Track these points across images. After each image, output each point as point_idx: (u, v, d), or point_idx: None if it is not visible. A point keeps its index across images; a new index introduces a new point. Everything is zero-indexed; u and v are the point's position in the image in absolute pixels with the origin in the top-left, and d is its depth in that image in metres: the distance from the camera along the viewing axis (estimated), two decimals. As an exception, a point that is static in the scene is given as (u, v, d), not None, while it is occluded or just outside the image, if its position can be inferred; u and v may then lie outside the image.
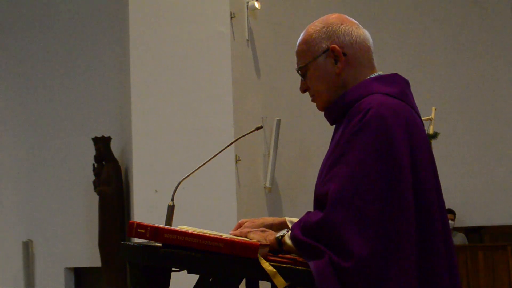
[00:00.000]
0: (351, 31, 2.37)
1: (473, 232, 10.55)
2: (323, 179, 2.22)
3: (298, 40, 2.43)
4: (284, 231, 2.28)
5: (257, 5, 8.57)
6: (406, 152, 2.17)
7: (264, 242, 2.27)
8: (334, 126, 2.48)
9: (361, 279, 2.05)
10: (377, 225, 2.08)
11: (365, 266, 2.05)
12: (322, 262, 2.10)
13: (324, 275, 2.08)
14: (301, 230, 2.18)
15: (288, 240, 2.25)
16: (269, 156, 8.66)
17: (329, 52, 2.36)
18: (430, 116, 7.85)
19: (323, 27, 2.39)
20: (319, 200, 2.20)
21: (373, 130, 2.16)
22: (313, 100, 2.46)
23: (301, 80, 2.45)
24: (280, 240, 2.27)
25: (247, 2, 8.59)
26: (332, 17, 2.41)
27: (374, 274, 2.05)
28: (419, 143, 2.23)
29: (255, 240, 2.25)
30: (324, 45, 2.37)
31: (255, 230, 2.35)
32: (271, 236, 2.31)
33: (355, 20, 2.46)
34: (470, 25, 10.77)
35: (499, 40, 10.78)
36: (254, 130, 2.88)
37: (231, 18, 8.40)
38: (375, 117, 2.17)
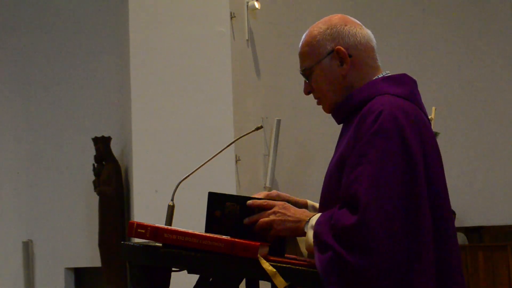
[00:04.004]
0: (356, 32, 2.37)
1: (473, 232, 10.55)
2: (346, 181, 2.19)
3: (301, 42, 2.42)
4: (312, 222, 2.25)
5: (257, 5, 8.58)
6: (420, 153, 2.18)
7: (281, 227, 2.27)
8: (336, 125, 2.48)
9: (385, 283, 2.06)
10: (403, 226, 2.09)
11: (391, 269, 2.06)
12: (330, 259, 2.10)
13: (330, 272, 2.09)
14: (331, 231, 2.14)
15: (310, 237, 2.22)
16: (269, 156, 8.67)
17: (334, 53, 2.34)
18: (430, 116, 7.84)
19: (327, 28, 2.37)
20: (346, 200, 2.17)
21: (390, 131, 2.16)
22: (318, 103, 2.45)
23: (305, 82, 2.44)
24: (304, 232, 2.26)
25: (247, 2, 8.59)
26: (335, 18, 2.40)
27: (399, 275, 2.07)
28: (429, 144, 2.24)
29: (273, 217, 2.27)
30: (329, 47, 2.35)
31: (278, 211, 2.31)
32: (290, 222, 2.29)
33: (356, 19, 2.46)
34: (471, 25, 10.77)
35: (499, 40, 10.78)
36: (254, 130, 2.89)
37: (231, 18, 8.40)
38: (389, 118, 2.17)
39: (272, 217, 2.29)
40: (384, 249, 2.06)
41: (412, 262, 2.08)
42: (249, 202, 2.33)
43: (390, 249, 2.06)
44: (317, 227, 2.20)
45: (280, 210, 2.30)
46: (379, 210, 2.08)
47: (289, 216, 2.29)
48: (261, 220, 2.29)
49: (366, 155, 2.16)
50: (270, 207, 2.31)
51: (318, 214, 2.26)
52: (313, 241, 2.18)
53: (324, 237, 2.14)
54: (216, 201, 2.35)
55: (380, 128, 2.16)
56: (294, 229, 2.28)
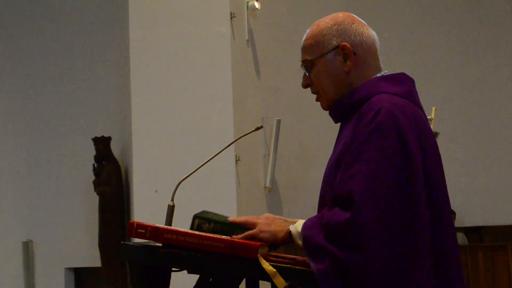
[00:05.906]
0: (362, 32, 2.36)
1: (473, 232, 10.55)
2: (341, 178, 2.18)
3: (306, 35, 2.40)
4: (298, 228, 2.23)
5: (257, 5, 8.58)
6: (418, 152, 2.17)
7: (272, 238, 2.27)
8: (336, 125, 2.47)
9: (379, 280, 2.05)
10: (398, 225, 2.09)
11: (384, 266, 2.06)
12: (327, 265, 2.09)
13: (330, 278, 2.08)
14: (323, 232, 2.12)
15: (298, 240, 2.21)
16: (269, 156, 8.67)
17: (339, 49, 2.33)
18: (430, 116, 7.85)
19: (334, 24, 2.36)
20: (339, 199, 2.16)
21: (388, 129, 2.15)
22: (317, 99, 2.44)
23: (304, 74, 2.42)
24: (291, 235, 2.25)
25: (247, 2, 8.59)
26: (343, 16, 2.40)
27: (392, 274, 2.06)
28: (428, 144, 2.23)
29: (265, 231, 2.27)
30: (334, 42, 2.34)
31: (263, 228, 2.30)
32: (280, 233, 2.27)
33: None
34: (470, 25, 10.77)
35: (499, 40, 10.78)
36: (254, 130, 2.88)
37: (231, 18, 8.40)
38: (387, 117, 2.17)
39: (259, 221, 2.30)
40: (378, 247, 2.05)
41: (409, 260, 2.07)
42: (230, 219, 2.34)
43: (384, 246, 2.05)
44: (306, 232, 2.17)
45: (267, 220, 2.31)
46: (374, 208, 2.07)
47: (277, 222, 2.30)
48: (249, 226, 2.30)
49: (363, 153, 2.15)
50: (254, 223, 2.31)
51: (302, 220, 2.24)
52: (305, 249, 2.16)
53: (316, 240, 2.12)
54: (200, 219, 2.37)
55: (377, 126, 2.16)
56: (278, 231, 2.27)
